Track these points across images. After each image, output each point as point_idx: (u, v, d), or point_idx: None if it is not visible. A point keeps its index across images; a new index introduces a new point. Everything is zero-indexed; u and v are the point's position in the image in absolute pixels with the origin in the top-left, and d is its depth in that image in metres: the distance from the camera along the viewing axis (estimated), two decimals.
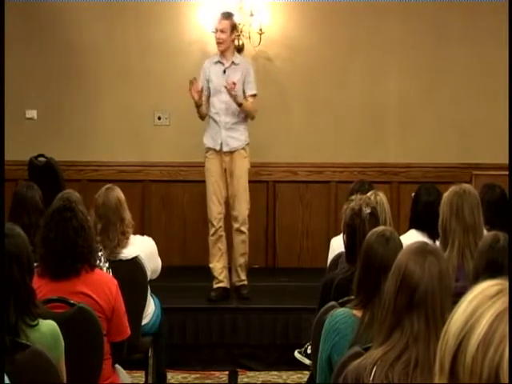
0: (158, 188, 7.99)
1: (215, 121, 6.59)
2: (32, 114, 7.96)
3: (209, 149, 6.64)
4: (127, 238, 4.69)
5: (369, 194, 4.44)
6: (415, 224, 4.89)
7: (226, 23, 6.54)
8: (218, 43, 6.57)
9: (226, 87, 6.36)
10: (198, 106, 6.54)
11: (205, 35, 7.84)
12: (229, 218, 6.65)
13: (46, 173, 6.64)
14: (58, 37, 7.89)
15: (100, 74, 7.98)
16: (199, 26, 7.90)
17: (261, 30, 7.75)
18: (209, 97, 6.60)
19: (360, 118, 8.00)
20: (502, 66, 7.56)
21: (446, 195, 4.13)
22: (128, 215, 4.73)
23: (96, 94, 7.98)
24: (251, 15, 7.55)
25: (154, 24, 7.92)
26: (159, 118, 8.00)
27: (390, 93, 8.01)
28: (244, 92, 6.58)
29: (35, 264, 3.17)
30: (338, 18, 7.94)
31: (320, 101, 7.98)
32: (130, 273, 4.60)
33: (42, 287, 3.57)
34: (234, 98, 6.39)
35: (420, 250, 2.46)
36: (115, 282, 3.87)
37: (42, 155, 6.98)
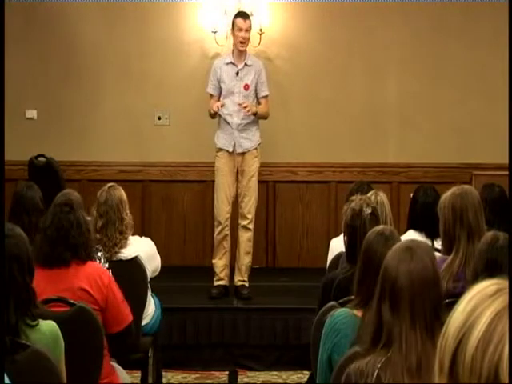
0: (158, 188, 7.99)
1: (227, 122, 6.59)
2: (32, 114, 7.95)
3: (220, 149, 6.64)
4: (125, 239, 4.69)
5: (369, 194, 4.44)
6: (413, 225, 4.90)
7: (249, 22, 6.67)
8: (242, 43, 6.61)
9: (243, 107, 6.44)
10: (213, 117, 6.62)
11: (204, 35, 7.85)
12: (233, 216, 6.65)
13: (46, 173, 6.64)
14: (57, 37, 7.89)
15: (100, 73, 7.97)
16: (199, 26, 7.90)
17: (261, 29, 7.75)
18: (220, 97, 6.62)
19: (360, 117, 7.99)
20: (502, 66, 7.56)
21: (446, 198, 3.96)
22: (128, 216, 4.73)
23: (96, 93, 7.98)
24: (251, 15, 7.53)
25: (153, 24, 7.93)
26: (159, 118, 8.00)
27: (390, 93, 8.01)
28: (257, 93, 6.61)
29: None
30: (338, 18, 7.94)
31: (320, 101, 7.98)
32: (129, 273, 4.60)
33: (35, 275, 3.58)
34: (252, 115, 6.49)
35: (404, 247, 2.47)
36: (107, 272, 3.93)
37: (42, 155, 6.98)
